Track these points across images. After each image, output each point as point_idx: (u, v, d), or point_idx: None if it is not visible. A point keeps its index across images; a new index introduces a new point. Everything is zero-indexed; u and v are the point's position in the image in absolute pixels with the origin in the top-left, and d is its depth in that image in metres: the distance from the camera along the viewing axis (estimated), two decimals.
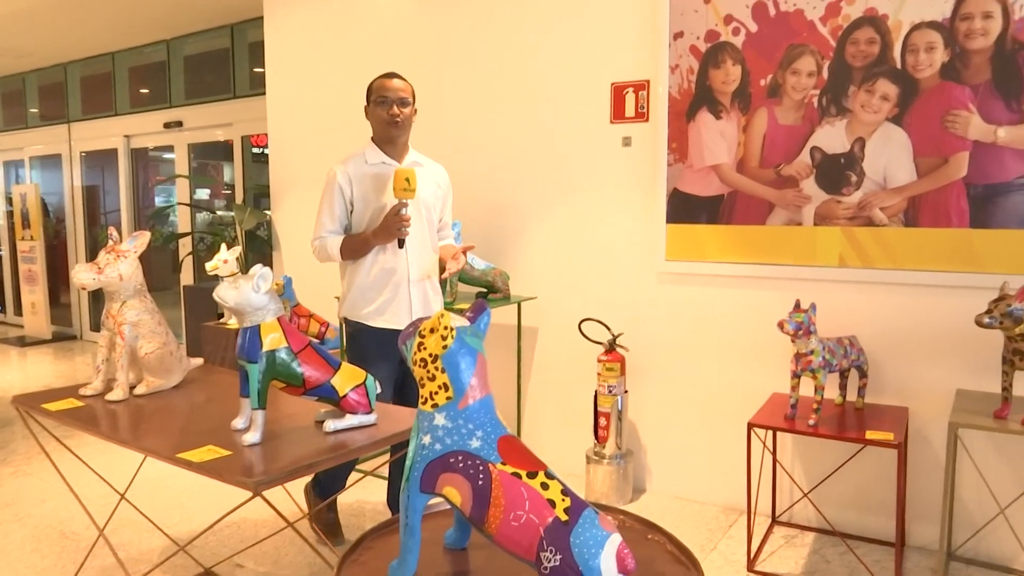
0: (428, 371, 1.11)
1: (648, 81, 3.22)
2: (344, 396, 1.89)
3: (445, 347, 1.10)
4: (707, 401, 3.23)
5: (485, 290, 3.43)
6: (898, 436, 2.46)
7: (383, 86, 2.65)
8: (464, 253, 2.75)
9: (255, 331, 1.81)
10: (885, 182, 2.78)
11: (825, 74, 2.85)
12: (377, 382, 2.01)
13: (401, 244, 2.58)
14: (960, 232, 2.68)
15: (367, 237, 2.59)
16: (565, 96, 3.46)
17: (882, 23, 2.74)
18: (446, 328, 1.10)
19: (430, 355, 1.11)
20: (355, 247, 2.62)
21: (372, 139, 2.72)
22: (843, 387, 2.79)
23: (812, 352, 2.57)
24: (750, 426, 2.65)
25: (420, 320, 1.13)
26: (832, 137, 2.85)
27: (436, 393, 1.11)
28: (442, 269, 2.78)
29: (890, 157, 2.76)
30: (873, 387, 2.85)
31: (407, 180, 2.47)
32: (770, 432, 2.97)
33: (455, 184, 3.81)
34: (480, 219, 3.69)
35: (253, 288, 1.80)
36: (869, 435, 2.48)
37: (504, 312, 3.64)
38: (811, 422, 2.58)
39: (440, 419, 1.11)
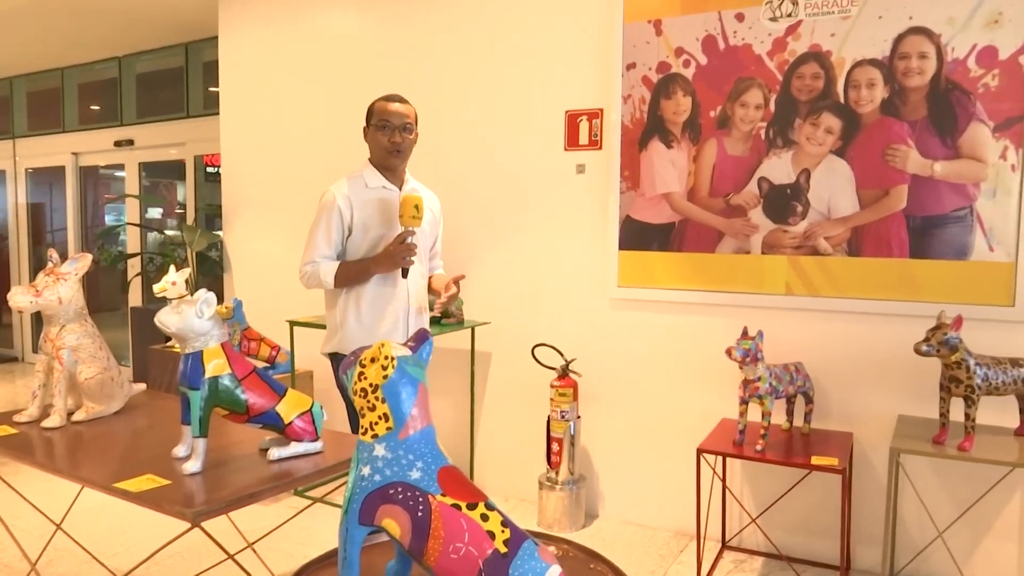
0: (368, 401, 1.11)
1: (602, 110, 3.28)
2: (289, 423, 1.87)
3: (386, 377, 1.10)
4: (658, 426, 3.26)
5: (439, 315, 3.42)
6: (842, 461, 2.52)
7: (385, 110, 2.52)
8: (456, 283, 2.62)
9: (197, 357, 1.78)
10: (829, 212, 2.86)
11: (772, 107, 2.94)
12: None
13: (405, 274, 2.48)
14: (900, 262, 2.77)
15: (368, 265, 2.47)
16: (520, 122, 3.50)
17: (826, 59, 2.84)
18: (387, 358, 1.10)
19: (370, 385, 1.11)
20: (352, 275, 2.49)
21: (370, 161, 2.61)
22: (790, 413, 2.85)
23: (759, 379, 2.62)
24: (699, 452, 2.69)
25: (361, 349, 1.13)
26: (779, 168, 2.93)
27: (376, 423, 1.11)
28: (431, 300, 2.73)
29: (834, 188, 2.85)
30: (819, 413, 2.91)
31: (416, 207, 2.38)
32: (719, 457, 3.01)
33: None
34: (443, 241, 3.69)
35: (196, 313, 1.78)
36: (815, 460, 2.53)
37: (458, 337, 3.64)
38: (759, 447, 2.62)
39: (380, 450, 1.11)
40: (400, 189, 2.58)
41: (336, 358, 2.61)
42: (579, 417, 3.29)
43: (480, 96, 3.61)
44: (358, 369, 1.12)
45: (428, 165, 3.75)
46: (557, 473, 3.26)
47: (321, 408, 1.94)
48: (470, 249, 3.66)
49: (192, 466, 1.75)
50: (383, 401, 1.10)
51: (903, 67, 2.73)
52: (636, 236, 3.21)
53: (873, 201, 2.80)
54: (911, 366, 2.76)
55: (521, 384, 3.55)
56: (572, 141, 3.36)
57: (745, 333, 2.64)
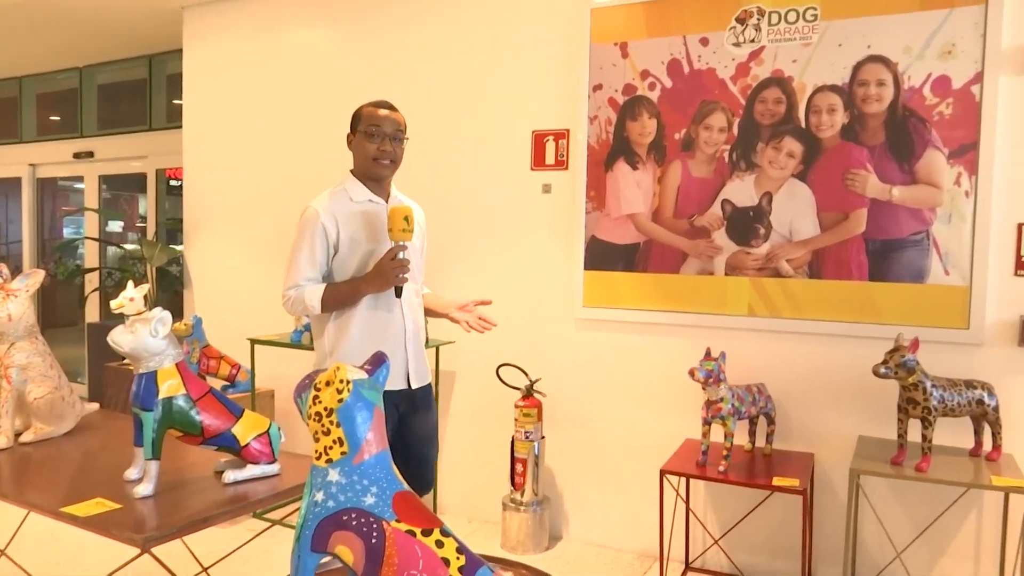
0: (323, 425, 1.10)
1: (568, 130, 3.31)
2: (246, 445, 1.84)
3: (341, 401, 1.09)
4: (623, 446, 3.27)
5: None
6: (803, 482, 2.55)
7: (375, 116, 2.32)
8: (476, 306, 2.44)
9: (151, 377, 1.75)
10: (791, 235, 2.92)
11: (735, 130, 2.99)
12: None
13: (399, 293, 2.28)
14: (860, 285, 2.82)
15: (358, 285, 2.26)
16: (487, 141, 3.52)
17: (788, 84, 2.90)
18: (342, 381, 1.09)
19: (325, 409, 1.10)
20: (342, 297, 2.27)
21: (352, 173, 2.40)
22: (752, 433, 2.88)
23: (722, 399, 2.65)
24: (662, 473, 2.70)
25: (316, 372, 1.12)
26: (742, 191, 2.98)
27: (330, 448, 1.10)
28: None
29: (795, 211, 2.90)
30: (781, 433, 2.94)
31: (406, 219, 2.20)
32: (683, 478, 3.02)
33: None
34: None
35: (151, 332, 1.75)
36: (776, 481, 2.56)
37: None
38: (721, 468, 2.65)
39: (334, 475, 1.10)
40: (387, 202, 2.38)
41: None
42: (543, 437, 3.29)
43: (447, 114, 3.62)
44: (313, 393, 1.11)
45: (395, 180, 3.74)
46: (521, 494, 3.25)
47: (279, 430, 1.92)
48: (434, 267, 3.65)
49: (143, 489, 1.71)
50: (338, 425, 1.09)
51: (862, 93, 2.80)
52: (601, 256, 3.24)
53: (833, 224, 2.85)
54: (871, 387, 2.81)
55: (485, 404, 3.54)
56: (538, 161, 3.38)
57: (708, 354, 2.67)
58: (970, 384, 2.50)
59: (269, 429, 1.89)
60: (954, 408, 2.46)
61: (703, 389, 2.67)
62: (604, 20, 3.20)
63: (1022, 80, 2.62)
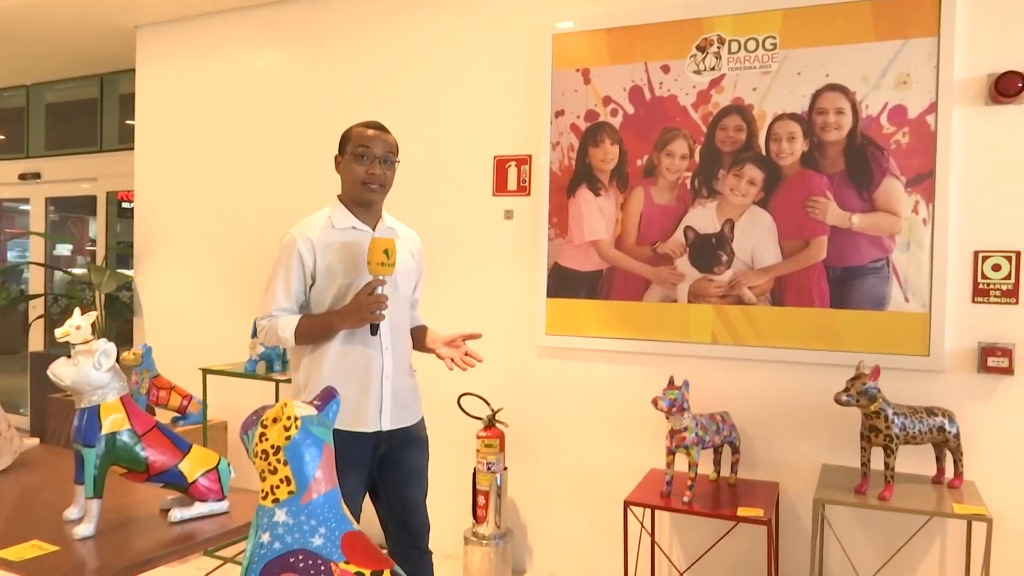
0: (269, 463, 1.09)
1: (530, 156, 3.34)
2: (193, 482, 1.81)
3: (288, 438, 1.08)
4: (587, 477, 3.28)
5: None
6: (768, 512, 2.57)
7: (363, 136, 2.22)
8: (464, 341, 2.35)
9: (94, 412, 1.72)
10: (753, 262, 2.97)
11: (697, 157, 3.05)
12: (342, 498, 1.88)
13: (375, 331, 2.18)
14: (822, 312, 2.88)
15: (331, 320, 2.16)
16: (448, 166, 3.54)
17: (748, 112, 2.97)
18: (290, 418, 1.08)
19: (272, 446, 1.09)
20: (314, 331, 2.18)
21: (339, 198, 2.30)
22: (717, 463, 2.91)
23: (686, 429, 2.67)
24: (626, 504, 2.71)
25: (263, 409, 1.12)
26: (704, 217, 3.04)
27: (277, 487, 1.09)
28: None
29: (757, 238, 2.96)
30: (745, 462, 2.97)
31: (386, 253, 2.09)
32: (648, 509, 3.03)
33: None
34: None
35: (94, 365, 1.73)
36: (741, 512, 2.59)
37: None
38: (685, 499, 2.66)
39: (281, 515, 1.09)
40: (374, 229, 2.28)
41: None
42: (506, 469, 3.28)
43: (407, 138, 3.61)
44: (259, 430, 1.10)
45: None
46: (483, 527, 3.23)
47: (228, 465, 1.90)
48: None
49: (84, 530, 1.67)
50: (285, 463, 1.08)
51: (821, 122, 2.87)
52: (564, 283, 3.26)
53: (795, 252, 2.91)
54: (834, 415, 2.86)
55: (446, 435, 3.51)
56: (500, 186, 3.41)
57: (671, 383, 2.69)
58: (931, 411, 2.55)
59: (218, 465, 1.86)
60: (916, 436, 2.51)
61: (666, 418, 2.69)
62: (566, 46, 3.26)
63: (974, 111, 2.71)
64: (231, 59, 4.13)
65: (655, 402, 2.63)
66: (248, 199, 4.05)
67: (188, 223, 4.27)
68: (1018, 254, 2.67)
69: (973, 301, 2.73)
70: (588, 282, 3.23)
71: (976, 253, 2.72)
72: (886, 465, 2.48)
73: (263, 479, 1.12)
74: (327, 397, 1.16)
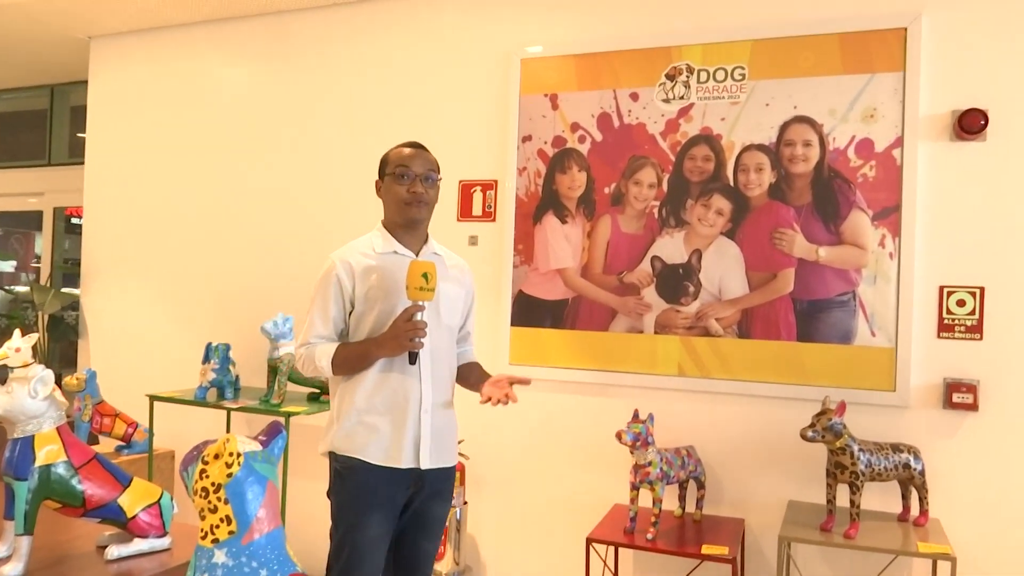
0: (210, 502, 1.07)
1: (496, 181, 3.36)
2: (133, 517, 1.77)
3: (230, 475, 1.07)
4: (549, 512, 3.26)
5: (318, 391, 3.35)
6: (732, 550, 2.58)
7: (401, 156, 2.23)
8: (511, 386, 2.22)
9: (27, 443, 1.68)
10: (720, 294, 3.01)
11: (665, 186, 3.09)
12: (369, 540, 1.83)
13: (413, 359, 2.11)
14: (789, 345, 2.92)
15: (368, 347, 2.12)
16: None
17: (716, 142, 3.03)
18: (232, 454, 1.07)
19: (212, 484, 1.07)
20: (351, 359, 2.14)
21: (383, 223, 2.29)
22: (682, 498, 2.92)
23: (650, 463, 2.68)
24: (589, 541, 2.70)
25: (205, 444, 1.10)
26: (671, 247, 3.07)
27: (217, 527, 1.07)
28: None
29: (725, 269, 3.00)
30: (711, 498, 2.99)
31: (425, 277, 2.05)
32: (611, 546, 3.02)
33: (292, 276, 3.77)
34: None
35: (29, 393, 1.69)
36: (705, 550, 2.59)
37: None
38: (649, 536, 2.66)
39: (220, 556, 1.07)
40: (417, 254, 2.24)
41: (332, 458, 2.18)
42: (466, 503, 3.26)
43: (371, 161, 3.63)
44: (199, 466, 1.08)
45: (308, 226, 3.73)
46: (441, 564, 3.19)
47: (171, 499, 1.86)
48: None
49: (11, 570, 1.62)
50: (226, 502, 1.07)
51: (789, 153, 2.94)
52: (529, 312, 3.27)
53: (762, 284, 2.96)
54: (800, 450, 2.89)
55: None
56: (465, 211, 3.42)
57: (636, 416, 2.70)
58: (897, 448, 2.59)
59: (160, 499, 1.83)
60: (881, 472, 2.55)
61: (631, 452, 2.69)
62: (534, 71, 3.29)
63: (940, 146, 2.79)
64: (190, 74, 4.11)
65: (619, 435, 2.64)
66: (204, 219, 4.01)
67: (139, 242, 4.21)
68: (982, 290, 2.74)
69: (938, 336, 2.79)
70: (553, 311, 3.24)
71: (941, 288, 2.79)
72: (852, 502, 2.51)
73: (202, 518, 1.10)
74: (273, 432, 1.15)
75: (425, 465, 2.15)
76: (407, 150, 2.25)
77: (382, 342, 2.10)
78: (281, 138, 3.84)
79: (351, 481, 2.11)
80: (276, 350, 3.22)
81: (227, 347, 3.37)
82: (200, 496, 1.10)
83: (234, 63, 4.00)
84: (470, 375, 2.38)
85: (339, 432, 2.16)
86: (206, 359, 3.34)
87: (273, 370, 3.23)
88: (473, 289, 2.44)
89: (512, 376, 2.26)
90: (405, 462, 2.13)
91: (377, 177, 2.30)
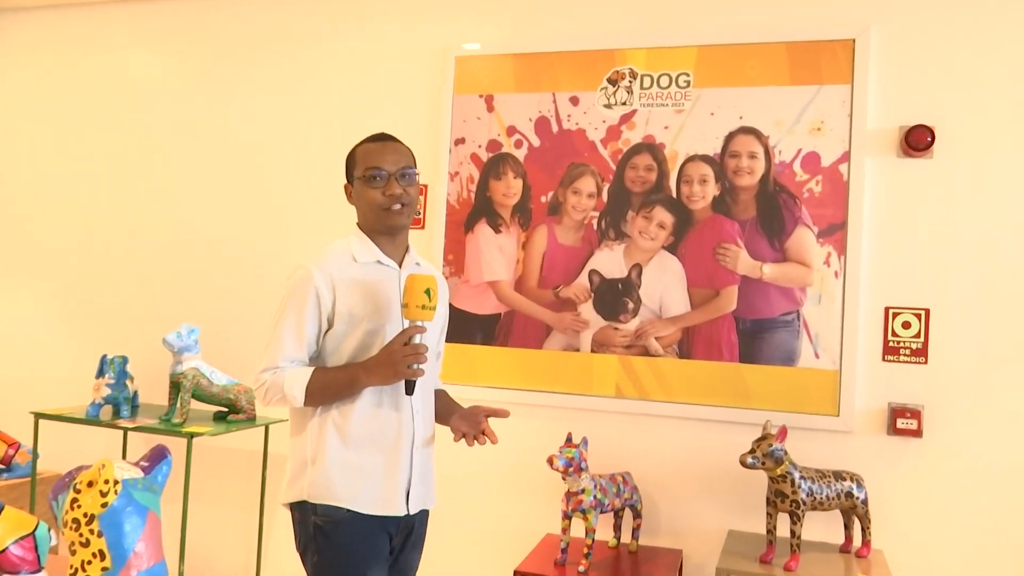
0: (81, 535, 1.01)
1: (425, 186, 3.33)
2: (3, 550, 1.67)
3: (105, 505, 1.01)
4: (475, 542, 3.23)
5: (226, 409, 3.26)
6: None
7: (370, 154, 2.04)
8: (487, 419, 2.10)
9: None
10: (661, 311, 3.03)
11: (605, 196, 3.11)
12: None
13: (410, 389, 1.94)
14: (731, 366, 2.96)
15: (356, 374, 1.94)
16: (333, 194, 3.47)
17: (659, 151, 3.06)
18: (108, 481, 1.01)
19: (85, 515, 1.02)
20: (334, 387, 1.96)
21: (360, 227, 2.11)
22: (617, 528, 2.91)
23: (583, 491, 2.67)
24: (517, 574, 2.68)
25: (79, 470, 1.04)
26: (611, 261, 3.09)
27: (89, 562, 1.01)
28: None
29: (666, 286, 3.03)
30: (647, 528, 3.00)
31: (427, 293, 1.88)
32: None
33: (200, 283, 3.67)
34: (223, 323, 3.57)
35: None
36: None
37: (248, 436, 3.47)
38: (582, 568, 2.65)
39: None
40: (401, 265, 2.10)
41: (304, 510, 2.01)
42: None
43: (292, 162, 3.58)
44: (71, 495, 1.02)
45: (225, 229, 3.64)
46: None
47: (49, 530, 1.76)
48: (263, 335, 3.54)
49: None
50: (99, 535, 1.01)
51: (734, 165, 2.99)
52: (458, 327, 3.24)
53: (704, 301, 2.99)
54: (741, 477, 2.92)
55: None
56: None
57: (569, 440, 2.69)
58: (839, 475, 2.64)
59: (35, 530, 1.73)
60: (823, 501, 2.59)
61: (563, 479, 2.68)
62: (469, 70, 3.29)
63: (887, 162, 2.88)
64: (98, 58, 3.98)
65: (551, 461, 2.62)
66: (104, 218, 3.88)
67: (29, 241, 4.04)
68: (927, 312, 2.83)
69: (883, 359, 2.87)
70: (484, 326, 3.22)
71: (887, 309, 2.86)
72: (792, 532, 2.55)
73: (72, 552, 1.04)
74: (157, 457, 1.10)
75: (414, 509, 2.04)
76: (374, 145, 2.07)
77: (373, 368, 1.92)
78: (196, 133, 3.75)
79: (339, 538, 1.95)
80: (179, 364, 3.11)
81: (124, 360, 3.26)
82: (71, 528, 1.04)
83: (149, 50, 3.89)
84: (436, 403, 2.22)
85: (317, 477, 1.96)
86: (100, 373, 3.22)
87: (175, 386, 3.13)
88: (448, 306, 2.33)
89: (487, 408, 2.12)
90: (399, 509, 2.00)
91: (345, 180, 2.13)
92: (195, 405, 3.25)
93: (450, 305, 3.21)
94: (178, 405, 3.11)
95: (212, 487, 3.57)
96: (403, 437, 2.02)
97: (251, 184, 3.64)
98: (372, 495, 1.97)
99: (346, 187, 2.13)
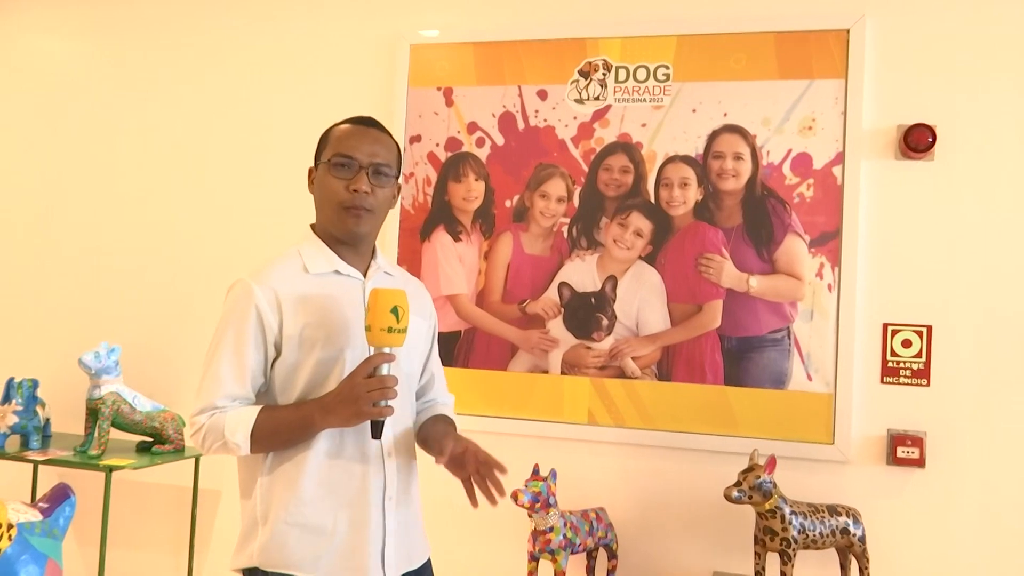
0: None
1: None
2: None
3: None
4: None
5: (150, 440, 3.23)
6: None
7: (344, 137, 1.92)
8: (487, 464, 1.96)
9: None
10: (638, 328, 3.05)
11: (576, 201, 3.13)
12: None
13: (377, 432, 1.77)
14: (715, 389, 2.98)
15: (310, 413, 1.78)
16: (272, 197, 3.48)
17: (636, 151, 3.09)
18: (2, 525, 1.00)
19: None
20: (283, 431, 1.81)
21: (314, 229, 1.99)
22: (590, 570, 2.92)
23: (551, 529, 2.67)
24: None
25: None
26: (582, 272, 3.11)
27: None
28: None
29: (643, 300, 3.05)
30: (624, 569, 3.00)
31: (395, 313, 1.72)
32: None
33: (122, 296, 3.64)
34: (148, 341, 3.54)
35: None
36: None
37: (176, 469, 3.43)
38: None
39: None
40: (365, 275, 1.97)
41: None
42: None
43: (227, 161, 3.56)
44: None
45: (150, 231, 3.62)
46: None
47: None
48: (199, 349, 3.50)
49: None
50: None
51: (718, 167, 3.02)
52: None
53: (685, 317, 3.02)
54: (727, 512, 2.93)
55: None
56: None
57: (536, 472, 2.70)
58: (834, 510, 2.66)
59: None
60: (816, 539, 2.61)
61: (529, 516, 2.68)
62: (426, 60, 3.30)
63: (884, 164, 2.92)
64: (12, 42, 3.94)
65: (515, 496, 2.62)
66: (6, 222, 3.83)
67: None
68: (929, 329, 2.87)
69: (882, 381, 2.90)
70: (443, 346, 3.18)
71: (885, 326, 2.90)
72: (783, 574, 2.56)
73: None
74: (58, 498, 1.09)
75: (395, 573, 1.90)
76: (353, 128, 1.94)
77: (331, 406, 1.75)
78: (115, 127, 3.71)
79: None
80: (97, 388, 3.09)
81: (34, 383, 3.22)
82: None
83: (62, 35, 3.85)
84: (430, 431, 2.05)
85: (268, 540, 1.83)
86: (6, 398, 3.18)
87: (93, 413, 3.10)
88: (435, 318, 2.20)
89: (491, 459, 1.95)
90: (371, 574, 1.85)
91: (312, 165, 1.99)
92: (115, 434, 3.22)
93: None
94: (95, 434, 3.08)
95: (134, 528, 3.52)
96: (370, 489, 1.87)
97: (181, 184, 3.61)
98: (335, 560, 1.83)
99: (310, 171, 2.00)
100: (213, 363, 1.86)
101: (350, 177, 1.88)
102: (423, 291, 2.16)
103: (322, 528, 1.84)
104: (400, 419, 1.93)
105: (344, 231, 1.91)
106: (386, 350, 1.75)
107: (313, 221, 2.03)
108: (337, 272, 1.92)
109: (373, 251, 2.02)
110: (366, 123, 1.98)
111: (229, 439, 1.80)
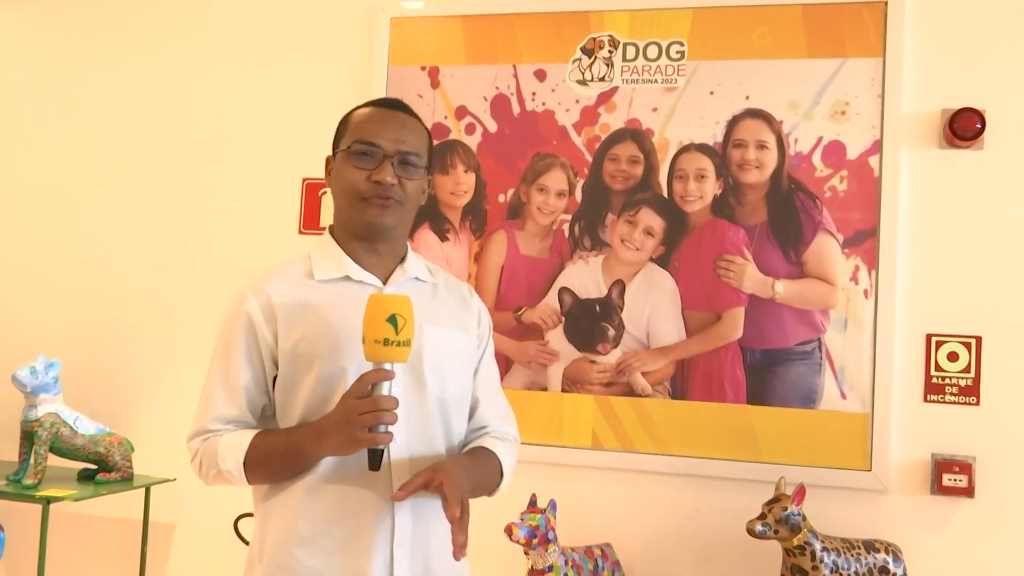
0: None
1: None
2: None
3: None
4: None
5: (94, 467, 3.20)
6: None
7: (369, 124, 1.87)
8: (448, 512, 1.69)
9: None
10: (648, 339, 3.02)
11: (579, 195, 3.10)
12: None
13: (375, 463, 1.67)
14: (736, 409, 2.95)
15: (302, 440, 1.73)
16: (239, 191, 3.45)
17: (646, 139, 3.06)
18: None
19: None
20: (275, 459, 1.77)
21: (331, 231, 1.94)
22: None
23: (551, 568, 2.64)
24: None
25: None
26: (586, 277, 3.08)
27: None
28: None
29: (654, 307, 3.02)
30: None
31: (392, 322, 1.64)
32: None
33: (68, 305, 3.61)
34: (92, 356, 3.52)
35: None
36: None
37: (123, 501, 3.39)
38: None
39: None
40: (385, 282, 1.88)
41: None
42: None
43: (189, 151, 3.53)
44: None
45: (97, 239, 3.59)
46: None
47: None
48: (149, 368, 3.48)
49: None
50: None
51: (739, 157, 3.00)
52: None
53: (702, 327, 2.99)
54: (750, 548, 2.90)
55: (217, 568, 3.35)
56: (310, 222, 3.35)
57: (533, 504, 2.67)
58: (871, 546, 2.64)
59: None
60: None
61: (525, 553, 2.65)
62: (408, 35, 3.27)
63: (927, 154, 2.89)
64: None
65: (509, 531, 2.59)
66: None
67: None
68: (979, 340, 2.84)
69: (925, 400, 2.87)
70: None
71: (929, 337, 2.88)
72: None
73: None
74: None
75: None
76: (377, 111, 1.89)
77: (324, 431, 1.68)
78: (72, 121, 3.69)
79: None
80: (34, 408, 3.05)
81: None
82: None
83: (23, 28, 3.84)
84: (480, 472, 1.92)
85: (266, 571, 1.79)
86: None
87: (28, 437, 3.06)
88: (488, 332, 2.07)
89: (451, 510, 1.67)
90: None
91: (330, 155, 1.95)
92: (54, 461, 3.18)
93: None
94: (31, 461, 3.06)
95: (76, 568, 3.48)
96: (377, 529, 1.76)
97: (133, 177, 3.58)
98: None
99: (327, 160, 1.96)
100: (207, 381, 1.86)
101: (372, 167, 1.82)
102: (468, 301, 2.04)
103: (331, 562, 1.76)
104: (418, 449, 1.82)
105: (363, 224, 1.85)
106: (386, 366, 1.66)
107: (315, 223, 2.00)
108: (348, 278, 1.86)
109: (404, 256, 1.95)
110: (392, 105, 1.94)
111: (222, 466, 1.76)
